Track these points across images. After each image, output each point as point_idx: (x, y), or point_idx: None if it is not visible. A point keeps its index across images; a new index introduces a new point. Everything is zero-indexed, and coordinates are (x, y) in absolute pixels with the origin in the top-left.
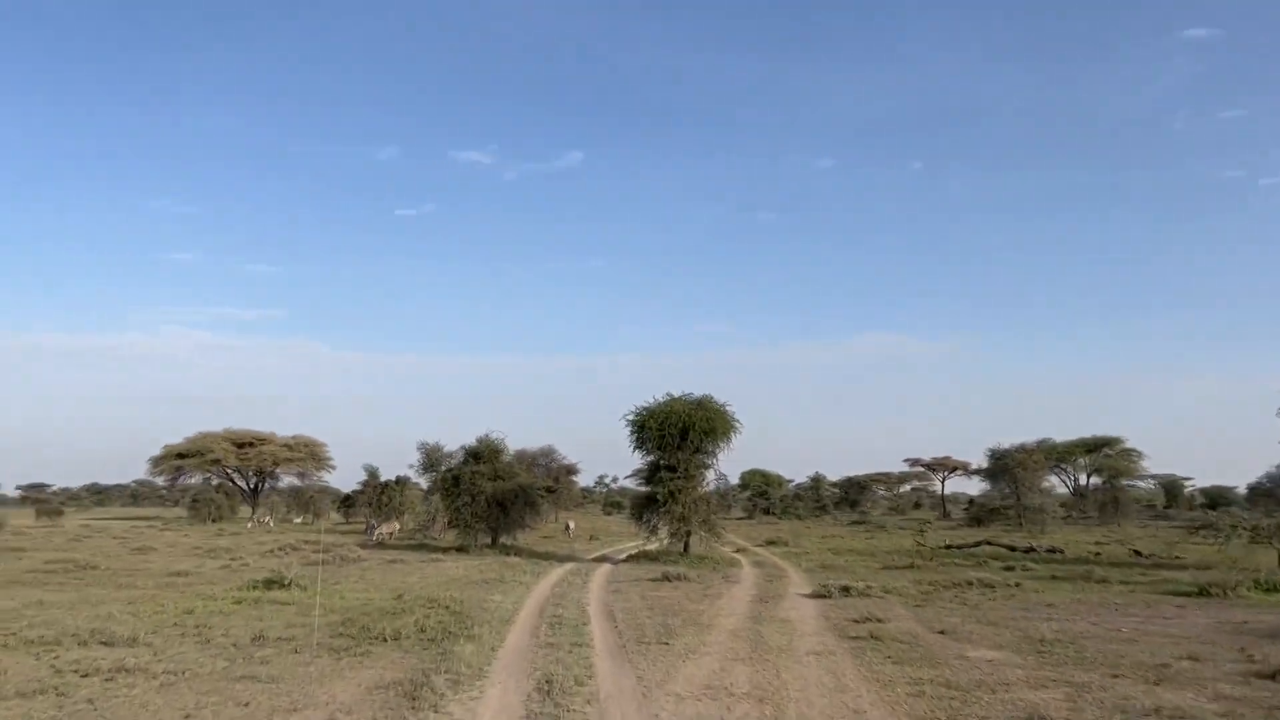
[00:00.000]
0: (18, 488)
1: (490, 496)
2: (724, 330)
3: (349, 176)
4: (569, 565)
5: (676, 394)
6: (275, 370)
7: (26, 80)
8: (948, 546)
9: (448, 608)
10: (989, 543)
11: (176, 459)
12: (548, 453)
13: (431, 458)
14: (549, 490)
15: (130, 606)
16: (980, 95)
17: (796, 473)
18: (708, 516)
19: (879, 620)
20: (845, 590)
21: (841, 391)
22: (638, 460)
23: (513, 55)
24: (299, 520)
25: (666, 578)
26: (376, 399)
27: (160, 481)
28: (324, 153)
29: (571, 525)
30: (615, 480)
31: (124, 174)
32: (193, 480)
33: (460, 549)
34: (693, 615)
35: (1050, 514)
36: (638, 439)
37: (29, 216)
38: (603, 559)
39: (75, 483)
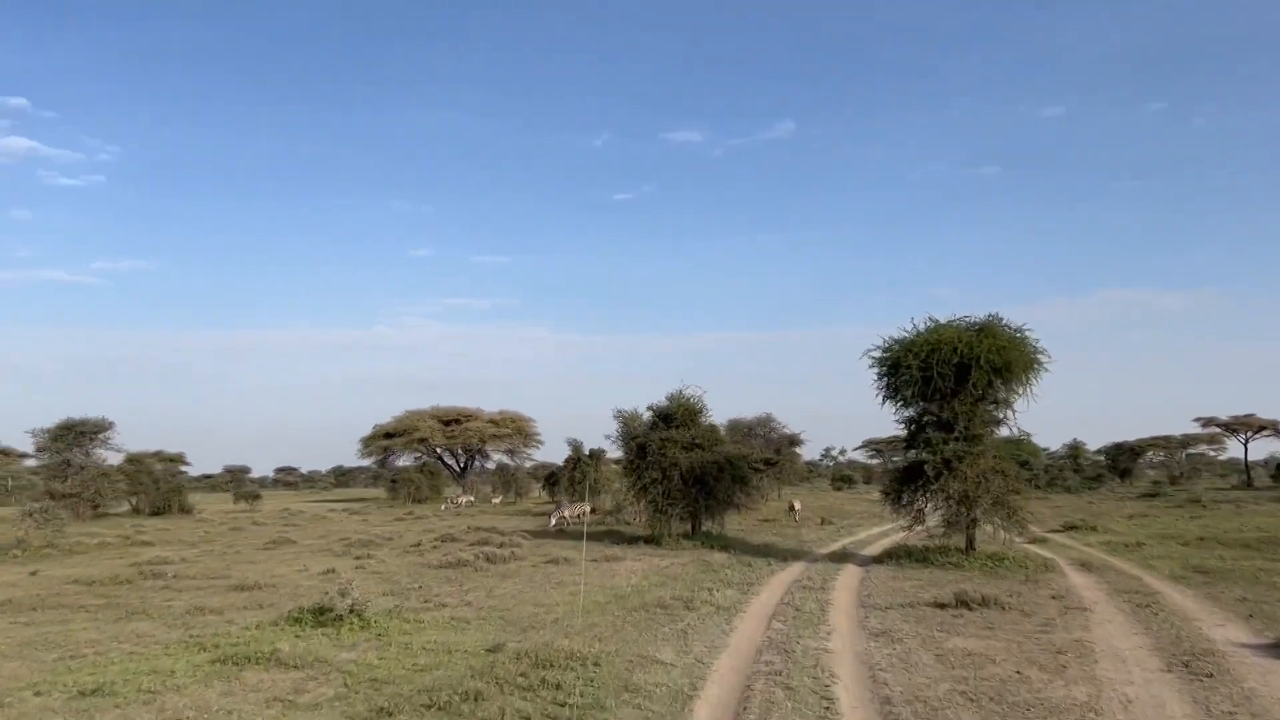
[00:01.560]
0: (275, 470)
1: (686, 471)
2: (950, 294)
3: (568, 165)
4: (795, 568)
5: (942, 319)
6: (507, 355)
7: (282, 92)
8: None
9: (559, 687)
10: None
11: (384, 439)
12: (765, 422)
13: (630, 427)
14: (768, 463)
15: (47, 671)
16: (1230, 22)
17: (1045, 440)
18: (1004, 496)
19: None
20: None
21: (1081, 352)
22: (889, 417)
23: (717, 30)
24: (497, 500)
25: (964, 603)
26: (602, 379)
27: (370, 463)
28: (543, 144)
29: (797, 506)
30: (844, 452)
31: (367, 176)
32: (402, 461)
33: (649, 539)
34: None
35: None
36: (890, 385)
37: (288, 222)
38: (843, 555)
39: (325, 466)
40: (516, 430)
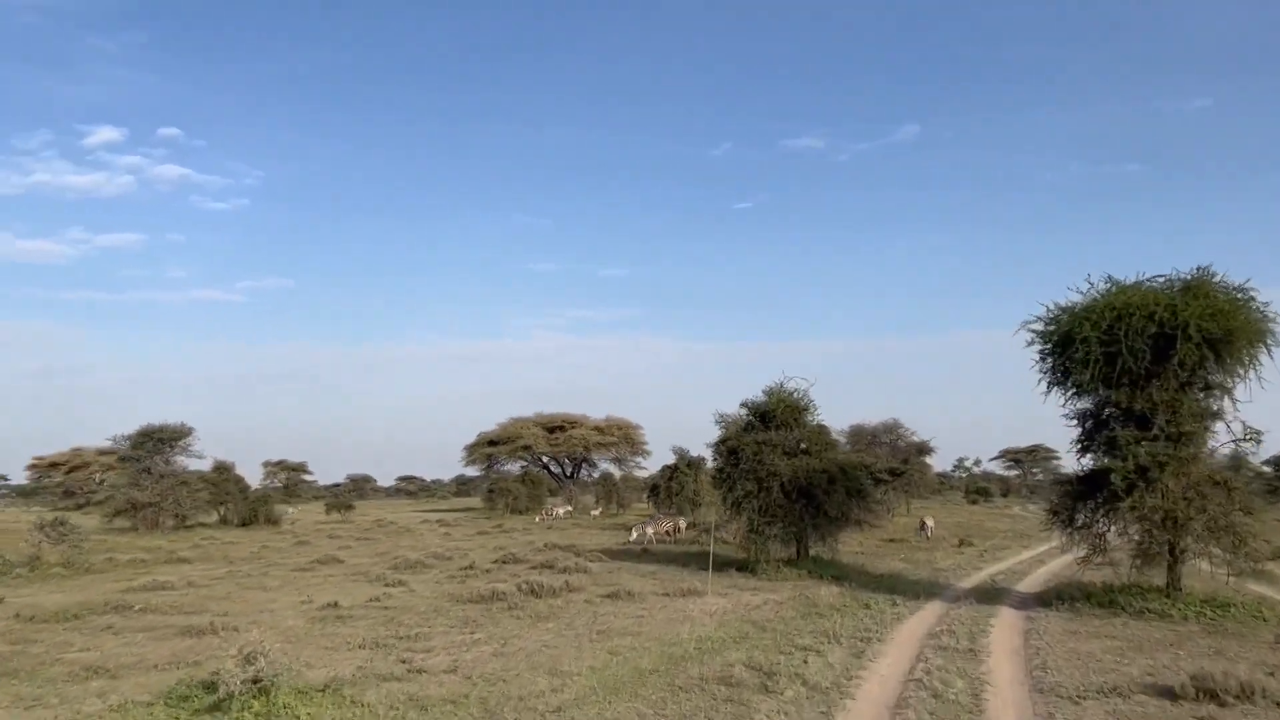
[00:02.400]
0: (396, 479)
1: (788, 481)
2: None
3: (687, 176)
4: (929, 611)
5: (1125, 278)
6: (630, 366)
7: (405, 112)
8: None
9: None
10: None
11: (488, 446)
12: (891, 428)
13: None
14: (893, 473)
15: None
16: None
17: None
18: (1224, 518)
19: None
20: None
21: None
22: (1054, 408)
23: (836, 35)
24: (596, 512)
25: (1208, 690)
26: (723, 387)
27: (476, 471)
28: (662, 155)
29: (930, 523)
30: (978, 463)
31: (492, 192)
32: (510, 468)
33: (742, 566)
34: None
35: None
36: (1057, 366)
37: (419, 238)
38: (992, 591)
39: (449, 475)
40: (624, 438)
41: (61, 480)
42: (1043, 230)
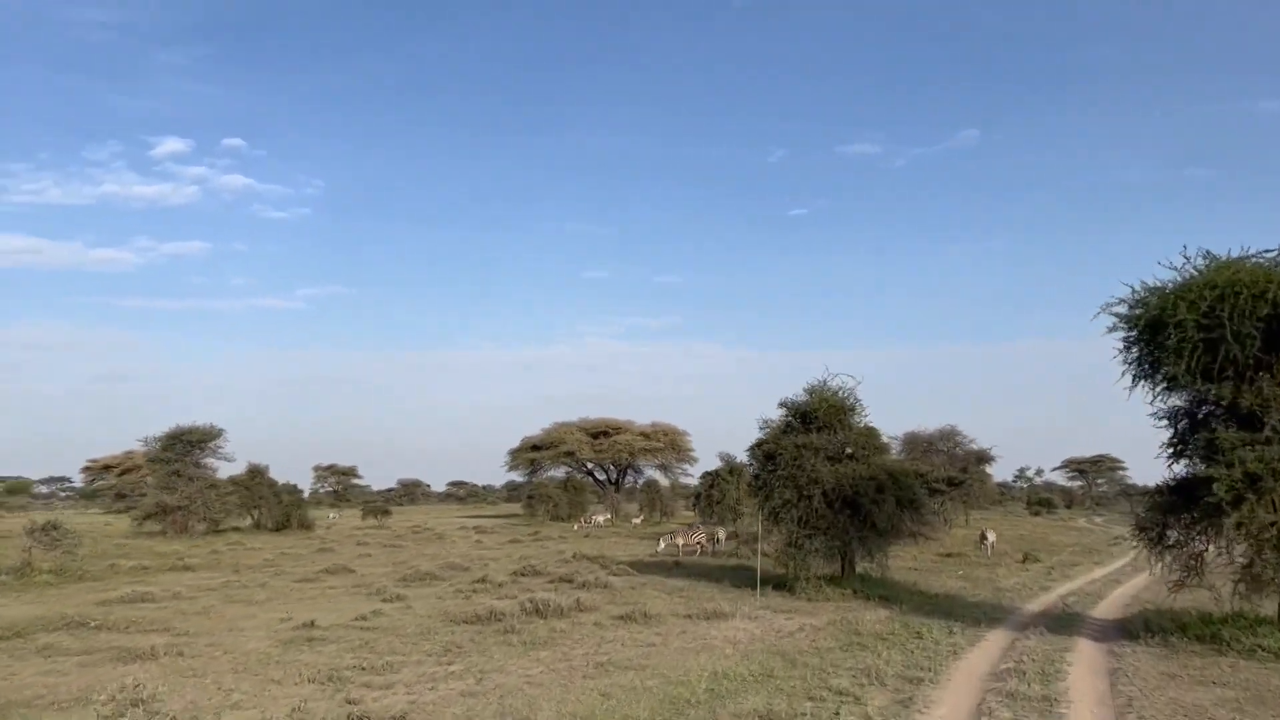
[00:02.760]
0: (447, 484)
1: (832, 489)
2: None
3: (742, 183)
4: (991, 642)
5: (1228, 251)
6: (682, 372)
7: (463, 122)
8: None
9: None
10: None
11: (531, 451)
12: (949, 435)
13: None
14: (951, 483)
15: None
16: None
17: None
18: None
19: None
20: None
21: None
22: (1130, 412)
23: (893, 39)
24: (638, 520)
25: None
26: (778, 395)
27: (520, 477)
28: (717, 162)
29: (991, 538)
30: (1040, 473)
31: (547, 201)
32: (553, 474)
33: (780, 583)
34: None
35: None
36: (1145, 357)
37: (475, 246)
38: (1064, 617)
39: (500, 480)
40: (670, 444)
41: (114, 483)
42: (1105, 236)
